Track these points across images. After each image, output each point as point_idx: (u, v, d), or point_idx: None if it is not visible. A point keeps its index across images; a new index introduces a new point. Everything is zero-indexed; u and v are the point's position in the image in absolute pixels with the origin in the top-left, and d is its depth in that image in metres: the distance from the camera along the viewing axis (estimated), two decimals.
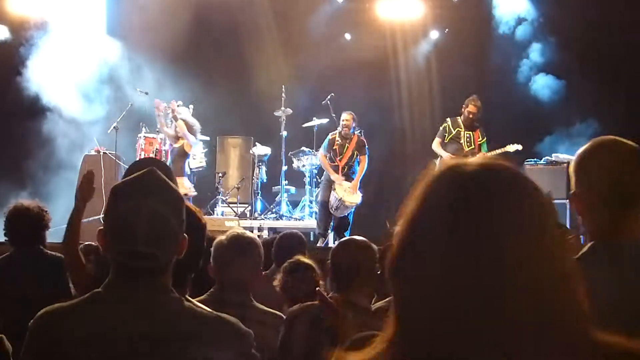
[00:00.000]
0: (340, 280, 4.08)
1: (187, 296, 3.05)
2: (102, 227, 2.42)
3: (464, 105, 12.13)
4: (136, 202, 2.34)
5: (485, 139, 12.08)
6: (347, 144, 12.37)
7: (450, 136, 12.04)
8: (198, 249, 3.08)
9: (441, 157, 11.94)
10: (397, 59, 15.48)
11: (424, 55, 15.52)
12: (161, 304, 2.37)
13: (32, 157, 14.06)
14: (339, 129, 12.52)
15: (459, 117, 12.17)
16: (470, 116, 12.04)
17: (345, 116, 12.38)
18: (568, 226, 11.05)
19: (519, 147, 11.82)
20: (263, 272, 4.40)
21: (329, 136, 12.60)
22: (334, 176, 12.24)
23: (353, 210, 12.41)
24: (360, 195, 12.24)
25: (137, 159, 13.43)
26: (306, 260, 5.12)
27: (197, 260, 3.12)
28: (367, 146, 12.53)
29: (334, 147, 12.40)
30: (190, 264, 3.03)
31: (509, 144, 11.84)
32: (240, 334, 2.48)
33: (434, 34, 15.46)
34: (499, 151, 11.73)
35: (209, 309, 2.47)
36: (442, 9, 15.02)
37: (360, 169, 12.45)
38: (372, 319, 3.90)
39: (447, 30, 15.27)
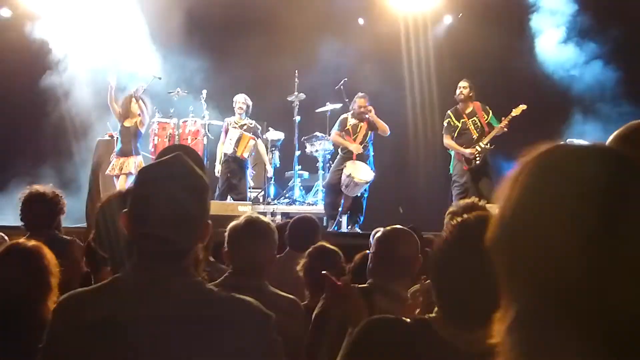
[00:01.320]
0: (382, 269, 4.09)
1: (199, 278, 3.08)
2: (126, 210, 2.42)
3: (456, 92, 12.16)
4: (157, 185, 2.35)
5: (490, 114, 12.02)
6: (360, 124, 12.37)
7: (458, 130, 12.01)
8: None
9: (456, 150, 11.93)
10: (410, 43, 15.43)
11: (437, 40, 15.46)
12: (181, 287, 2.37)
13: (45, 140, 14.10)
14: (351, 110, 12.51)
15: (457, 105, 12.15)
16: (460, 96, 12.04)
17: (361, 101, 12.36)
18: None
19: (524, 107, 11.76)
20: (277, 256, 4.40)
21: (341, 116, 12.60)
22: (352, 146, 12.20)
23: (366, 194, 12.38)
24: (372, 174, 12.18)
25: (151, 144, 13.50)
26: (332, 247, 5.15)
27: None
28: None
29: (347, 128, 12.39)
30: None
31: (513, 109, 11.79)
32: (264, 317, 2.46)
33: (448, 19, 15.40)
34: (507, 119, 11.70)
35: (232, 294, 2.47)
36: None
37: (380, 123, 12.39)
38: (405, 308, 3.91)
39: (460, 15, 15.20)
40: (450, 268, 2.32)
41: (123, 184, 12.31)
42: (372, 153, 12.49)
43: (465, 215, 2.36)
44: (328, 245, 5.16)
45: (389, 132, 12.45)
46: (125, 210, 2.42)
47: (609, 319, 1.15)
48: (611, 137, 2.58)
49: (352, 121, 12.40)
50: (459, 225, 2.34)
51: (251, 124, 13.35)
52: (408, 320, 2.45)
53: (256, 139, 13.11)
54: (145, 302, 2.32)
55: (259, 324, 2.44)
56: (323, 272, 3.45)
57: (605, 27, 14.07)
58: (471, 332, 2.17)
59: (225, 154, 13.00)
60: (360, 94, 12.48)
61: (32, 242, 3.92)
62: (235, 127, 13.12)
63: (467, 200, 4.33)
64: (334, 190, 12.33)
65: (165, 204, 2.33)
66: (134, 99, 12.75)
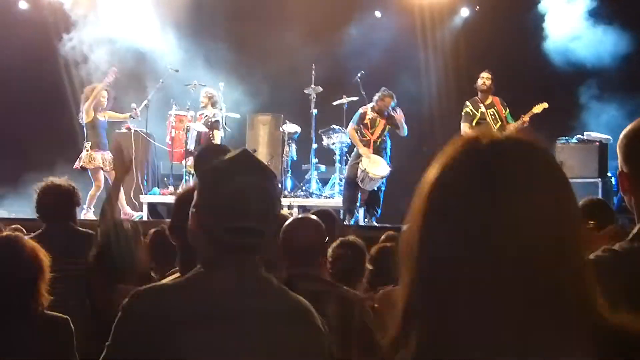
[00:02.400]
0: (298, 255, 4.10)
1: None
2: (195, 210, 2.42)
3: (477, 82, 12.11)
4: (247, 179, 2.35)
5: (507, 109, 12.00)
6: (379, 119, 12.34)
7: (476, 119, 11.97)
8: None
9: None
10: (427, 36, 15.38)
11: (454, 32, 15.41)
12: (254, 283, 2.39)
13: (62, 133, 14.15)
14: (372, 103, 12.48)
15: (476, 97, 12.11)
16: (482, 87, 11.98)
17: (389, 100, 12.33)
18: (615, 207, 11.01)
19: (545, 105, 11.73)
20: None
21: (360, 110, 12.57)
22: (362, 149, 12.21)
23: (384, 188, 12.37)
24: (388, 169, 12.18)
25: (168, 136, 13.53)
26: (358, 241, 5.16)
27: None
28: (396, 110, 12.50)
29: (365, 121, 12.37)
30: None
31: (534, 105, 11.75)
32: (315, 315, 2.49)
33: (465, 12, 15.34)
34: (527, 115, 11.67)
35: (291, 292, 2.50)
36: None
37: (401, 123, 12.41)
38: (328, 285, 4.07)
39: (477, 7, 15.14)
40: None
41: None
42: (389, 147, 12.47)
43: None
44: (355, 239, 5.18)
45: (405, 134, 12.45)
46: (198, 207, 2.42)
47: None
48: (623, 133, 2.56)
49: (371, 114, 12.38)
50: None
51: (213, 116, 13.45)
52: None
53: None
54: (228, 298, 2.32)
55: (315, 321, 2.48)
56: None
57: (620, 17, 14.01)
58: None
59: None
60: (387, 92, 12.41)
61: (13, 234, 3.93)
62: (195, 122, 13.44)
63: None
64: (351, 183, 12.34)
65: (259, 196, 2.36)
66: (105, 91, 12.69)
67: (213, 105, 13.46)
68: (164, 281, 2.48)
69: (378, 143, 12.31)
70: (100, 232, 4.83)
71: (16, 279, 3.73)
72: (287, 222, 4.21)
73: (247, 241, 2.35)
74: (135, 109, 13.09)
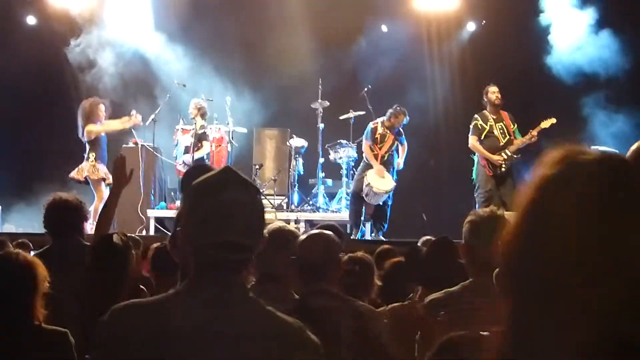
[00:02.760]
0: (312, 271, 4.08)
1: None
2: (182, 228, 2.43)
3: (484, 95, 12.10)
4: (232, 193, 2.34)
5: (515, 125, 11.99)
6: (388, 134, 12.39)
7: (485, 132, 11.95)
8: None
9: (482, 154, 11.88)
10: (433, 50, 15.41)
11: (461, 47, 15.42)
12: (238, 303, 2.37)
13: (68, 148, 14.19)
14: (383, 118, 12.51)
15: (485, 111, 12.09)
16: (495, 101, 11.97)
17: (403, 117, 12.41)
18: None
19: (553, 120, 11.74)
20: None
21: (371, 125, 12.60)
22: (376, 167, 12.25)
23: (390, 202, 12.39)
24: (393, 184, 12.21)
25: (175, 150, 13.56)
26: (366, 256, 5.16)
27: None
28: (403, 135, 12.60)
29: (375, 136, 12.41)
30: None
31: (542, 121, 11.75)
32: (306, 336, 2.44)
33: (471, 26, 15.36)
34: (535, 130, 11.67)
35: (280, 313, 2.45)
36: (479, 0, 14.90)
37: (402, 155, 12.55)
38: (341, 301, 4.00)
39: (484, 22, 15.16)
40: None
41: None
42: (396, 162, 12.48)
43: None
44: (365, 255, 5.18)
45: (401, 167, 12.55)
46: (184, 223, 2.43)
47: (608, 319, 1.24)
48: (630, 151, 2.57)
49: (381, 130, 12.44)
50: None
51: (200, 127, 13.38)
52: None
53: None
54: (208, 316, 2.30)
55: (305, 344, 2.42)
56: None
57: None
58: None
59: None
60: (401, 109, 12.48)
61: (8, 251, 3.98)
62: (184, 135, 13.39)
63: (486, 209, 4.31)
64: (357, 197, 12.37)
65: (245, 211, 2.34)
66: (102, 104, 12.73)
67: (202, 116, 13.36)
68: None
69: (385, 158, 12.34)
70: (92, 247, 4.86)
71: (8, 294, 3.77)
72: (301, 237, 4.17)
73: (232, 256, 2.34)
74: (135, 115, 13.06)
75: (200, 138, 13.29)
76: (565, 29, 14.33)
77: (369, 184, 12.04)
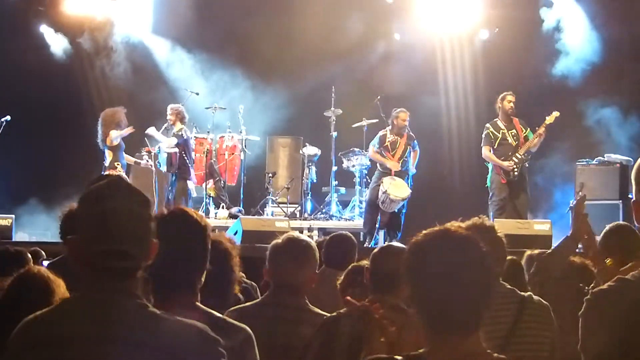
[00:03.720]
0: (381, 284, 4.06)
1: (199, 303, 3.07)
2: (72, 236, 2.44)
3: (499, 101, 12.09)
4: (112, 202, 2.38)
5: (528, 129, 11.95)
6: (399, 140, 12.40)
7: (498, 141, 11.94)
8: (202, 251, 3.10)
9: (494, 163, 11.88)
10: (446, 59, 15.39)
11: (474, 55, 15.40)
12: (123, 309, 2.38)
13: (82, 158, 14.25)
14: (390, 126, 12.53)
15: (496, 119, 12.07)
16: (509, 110, 11.95)
17: (404, 115, 12.41)
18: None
19: (557, 113, 11.73)
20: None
21: (380, 133, 12.63)
22: (390, 163, 12.27)
23: (405, 210, 12.38)
24: (409, 191, 12.23)
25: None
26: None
27: (203, 261, 3.11)
28: (415, 140, 12.63)
29: (386, 144, 12.42)
30: (196, 266, 3.08)
31: (546, 117, 11.74)
32: (207, 341, 2.45)
33: (484, 34, 15.34)
34: (542, 127, 11.66)
35: (178, 318, 2.45)
36: (493, 9, 14.89)
37: (413, 161, 12.55)
38: (405, 315, 3.92)
39: (497, 30, 15.14)
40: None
41: None
42: (410, 168, 12.49)
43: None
44: (366, 264, 5.15)
45: (412, 172, 12.59)
46: (70, 237, 2.45)
47: None
48: (638, 162, 2.62)
49: (390, 137, 12.45)
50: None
51: (179, 131, 13.08)
52: (399, 358, 2.45)
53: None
54: (94, 323, 2.34)
55: (202, 347, 2.43)
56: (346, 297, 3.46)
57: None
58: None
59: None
60: (400, 109, 12.49)
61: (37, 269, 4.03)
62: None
63: (475, 219, 4.29)
64: (372, 205, 12.37)
65: (126, 218, 2.37)
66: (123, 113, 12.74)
67: (181, 121, 13.10)
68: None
69: (400, 164, 12.33)
70: None
71: (26, 312, 3.83)
72: (375, 250, 4.18)
73: (117, 264, 2.36)
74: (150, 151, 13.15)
75: (185, 143, 13.07)
76: (575, 35, 14.40)
77: (386, 191, 12.03)
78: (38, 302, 3.86)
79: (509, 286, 4.01)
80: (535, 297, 4.03)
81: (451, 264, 2.35)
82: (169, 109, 13.23)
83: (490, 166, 12.03)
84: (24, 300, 3.89)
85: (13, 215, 12.07)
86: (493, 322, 3.62)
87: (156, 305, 2.84)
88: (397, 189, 12.10)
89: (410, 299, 2.45)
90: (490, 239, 3.98)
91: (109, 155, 12.46)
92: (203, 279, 3.08)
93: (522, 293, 4.01)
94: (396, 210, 12.30)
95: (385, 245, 4.36)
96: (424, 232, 2.47)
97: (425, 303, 2.39)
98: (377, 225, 12.45)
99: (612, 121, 13.99)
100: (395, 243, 4.44)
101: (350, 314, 3.91)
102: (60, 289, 3.89)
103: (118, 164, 12.41)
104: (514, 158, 11.74)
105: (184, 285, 3.04)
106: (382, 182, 12.19)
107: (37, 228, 13.68)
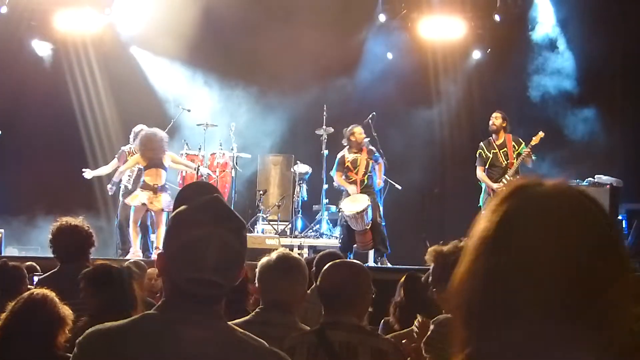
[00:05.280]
0: (333, 302, 4.04)
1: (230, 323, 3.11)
2: (162, 251, 2.42)
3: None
4: (208, 230, 2.33)
5: (522, 146, 11.95)
6: (359, 157, 12.37)
7: (489, 160, 11.97)
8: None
9: (486, 183, 11.91)
10: (438, 78, 15.46)
11: (466, 75, 15.47)
12: (216, 331, 2.37)
13: (73, 173, 14.24)
14: (346, 144, 12.51)
15: (490, 138, 12.11)
16: (494, 127, 12.01)
17: (358, 130, 12.42)
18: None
19: (542, 134, 11.74)
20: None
21: (338, 156, 12.57)
22: (350, 189, 12.21)
23: (383, 222, 12.30)
24: (366, 203, 11.94)
25: (179, 175, 13.52)
26: None
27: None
28: (376, 152, 12.55)
29: (346, 165, 12.38)
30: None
31: (532, 137, 11.76)
32: None
33: (476, 54, 15.41)
34: (528, 148, 11.67)
35: (260, 340, 2.44)
36: (485, 29, 14.98)
37: (379, 174, 12.49)
38: (368, 336, 3.93)
39: (489, 50, 15.22)
40: None
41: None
42: (377, 182, 12.46)
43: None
44: None
45: (378, 186, 12.52)
46: (161, 252, 2.43)
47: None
48: None
49: (350, 157, 12.39)
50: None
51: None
52: None
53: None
54: (176, 344, 2.31)
55: None
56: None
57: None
58: None
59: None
60: (353, 125, 12.51)
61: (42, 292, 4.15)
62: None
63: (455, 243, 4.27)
64: (343, 227, 12.39)
65: (216, 249, 2.32)
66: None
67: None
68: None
69: (365, 181, 12.27)
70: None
71: (35, 334, 4.07)
72: (325, 266, 4.12)
73: (204, 292, 2.34)
74: None
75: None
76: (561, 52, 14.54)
77: (340, 209, 12.10)
78: (45, 327, 4.00)
79: None
80: None
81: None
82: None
83: (483, 186, 12.05)
84: (31, 324, 3.99)
85: (2, 230, 12.05)
86: None
87: None
88: (350, 204, 12.00)
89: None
90: None
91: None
92: None
93: None
94: (369, 227, 12.08)
95: (336, 261, 4.25)
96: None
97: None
98: (353, 245, 12.37)
99: (603, 141, 14.07)
100: (349, 260, 4.41)
101: (302, 344, 3.90)
102: (66, 310, 4.00)
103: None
104: (503, 180, 11.75)
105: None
106: (340, 203, 12.26)
107: (27, 243, 13.65)
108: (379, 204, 12.36)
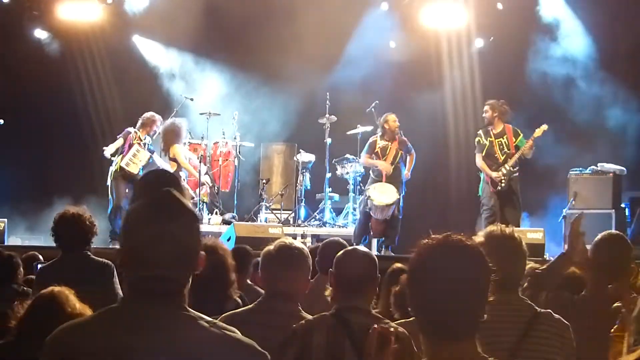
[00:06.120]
0: (348, 288, 4.06)
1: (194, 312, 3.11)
2: (120, 248, 2.45)
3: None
4: (157, 227, 2.37)
5: (520, 137, 11.91)
6: (390, 145, 12.35)
7: (486, 149, 11.94)
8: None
9: (484, 172, 11.90)
10: (441, 66, 15.41)
11: (469, 63, 15.42)
12: (175, 323, 2.39)
13: (75, 163, 14.25)
14: (379, 131, 12.50)
15: (488, 126, 12.07)
16: (486, 119, 12.02)
17: (392, 117, 12.35)
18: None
19: (545, 127, 11.69)
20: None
21: (370, 139, 12.54)
22: (381, 164, 12.17)
23: (400, 216, 12.26)
24: (396, 196, 11.97)
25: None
26: None
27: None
28: (409, 144, 12.50)
29: (376, 150, 12.35)
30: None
31: (536, 129, 11.72)
32: (257, 356, 2.46)
33: (479, 42, 15.36)
34: (530, 140, 11.63)
35: (226, 327, 2.46)
36: (487, 17, 14.92)
37: (409, 166, 12.43)
38: (376, 320, 3.92)
39: (492, 38, 15.18)
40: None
41: None
42: (404, 174, 12.43)
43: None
44: None
45: (407, 177, 12.48)
46: (119, 248, 2.46)
47: None
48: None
49: (381, 143, 12.35)
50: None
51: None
52: None
53: None
54: (142, 335, 2.33)
55: None
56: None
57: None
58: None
59: None
60: (387, 113, 12.46)
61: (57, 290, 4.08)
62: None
63: (492, 227, 4.29)
64: (363, 213, 12.29)
65: (167, 246, 2.36)
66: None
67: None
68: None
69: (392, 171, 12.29)
70: None
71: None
72: (338, 254, 4.14)
73: (159, 287, 2.37)
74: None
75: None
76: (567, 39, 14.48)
77: (369, 197, 11.99)
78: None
79: (528, 301, 3.93)
80: (556, 316, 3.91)
81: (448, 270, 2.38)
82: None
83: (482, 175, 12.03)
84: (51, 322, 3.98)
85: (5, 219, 12.05)
86: (494, 335, 3.56)
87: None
88: (381, 195, 11.95)
89: (411, 306, 2.48)
90: (511, 247, 4.00)
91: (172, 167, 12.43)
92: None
93: (538, 309, 3.90)
94: (389, 218, 12.13)
95: (349, 249, 4.30)
96: (425, 240, 2.48)
97: (425, 310, 2.43)
98: (368, 233, 12.38)
99: (607, 129, 14.05)
100: (360, 247, 4.42)
101: (320, 325, 3.91)
102: (76, 308, 3.96)
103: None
104: (502, 169, 11.72)
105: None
106: (368, 189, 12.18)
107: (32, 232, 13.67)
108: (401, 197, 12.29)
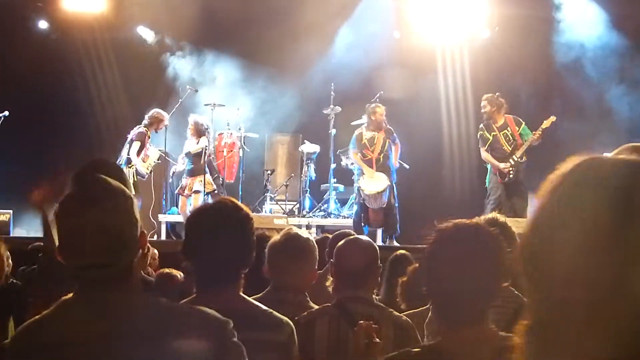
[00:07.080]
0: (350, 278, 4.05)
1: (241, 293, 3.13)
2: (58, 245, 2.45)
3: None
4: (81, 216, 2.35)
5: (522, 125, 11.91)
6: (376, 135, 12.33)
7: (490, 142, 11.94)
8: (246, 243, 3.19)
9: (491, 164, 11.89)
10: (445, 56, 15.38)
11: (473, 52, 15.38)
12: (123, 304, 2.39)
13: (80, 154, 14.22)
14: (365, 122, 12.50)
15: (489, 120, 12.07)
16: (484, 115, 12.05)
17: (380, 109, 12.37)
18: None
19: (553, 118, 11.70)
20: (318, 271, 4.37)
21: (355, 133, 12.54)
22: (366, 170, 12.20)
23: (397, 204, 12.27)
24: (386, 183, 12.02)
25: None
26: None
27: (246, 254, 3.21)
28: (394, 133, 12.50)
29: (363, 142, 12.34)
30: (240, 259, 3.17)
31: (544, 121, 11.70)
32: (219, 323, 2.46)
33: (485, 33, 15.31)
34: (538, 131, 11.63)
35: (192, 308, 2.47)
36: (493, 7, 14.87)
37: (395, 155, 12.45)
38: (379, 310, 3.98)
39: (497, 28, 15.13)
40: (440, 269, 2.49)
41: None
42: (393, 162, 12.44)
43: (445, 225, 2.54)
44: None
45: (394, 166, 12.48)
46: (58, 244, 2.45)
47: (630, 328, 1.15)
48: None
49: (367, 134, 12.36)
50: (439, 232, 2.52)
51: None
52: (417, 350, 2.57)
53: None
54: (99, 321, 2.34)
55: (212, 330, 2.44)
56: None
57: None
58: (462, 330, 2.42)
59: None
60: (374, 103, 12.51)
61: None
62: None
63: (489, 216, 4.30)
64: (359, 204, 12.36)
65: (97, 233, 2.33)
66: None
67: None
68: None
69: (381, 160, 12.27)
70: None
71: None
72: (339, 244, 4.15)
73: (96, 275, 2.37)
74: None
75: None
76: (579, 30, 14.39)
77: (360, 187, 12.06)
78: None
79: (515, 291, 3.87)
80: None
81: (465, 255, 2.44)
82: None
83: (489, 166, 12.04)
84: None
85: (11, 210, 12.06)
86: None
87: (199, 296, 2.93)
88: (371, 184, 12.04)
89: (427, 291, 2.53)
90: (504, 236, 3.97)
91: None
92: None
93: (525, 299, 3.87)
94: (384, 206, 12.15)
95: (350, 238, 4.28)
96: (441, 226, 2.51)
97: (441, 295, 2.48)
98: (364, 223, 12.38)
99: (615, 119, 14.02)
100: (361, 237, 4.41)
101: (323, 315, 3.92)
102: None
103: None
104: (510, 160, 11.74)
105: (228, 277, 3.16)
106: (358, 180, 12.24)
107: (36, 224, 13.65)
108: (393, 184, 12.31)
